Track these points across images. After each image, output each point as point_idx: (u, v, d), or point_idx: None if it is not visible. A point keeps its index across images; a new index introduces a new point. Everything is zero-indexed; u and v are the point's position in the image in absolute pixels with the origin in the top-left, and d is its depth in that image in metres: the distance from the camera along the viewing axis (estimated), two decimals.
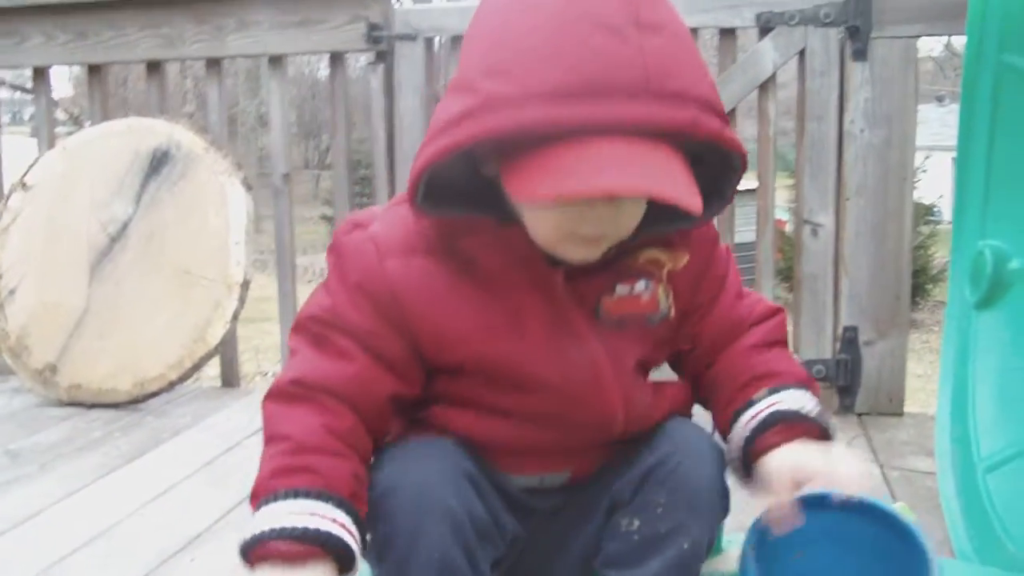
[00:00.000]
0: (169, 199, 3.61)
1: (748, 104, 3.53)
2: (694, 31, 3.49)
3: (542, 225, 1.29)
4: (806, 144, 3.38)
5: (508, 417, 1.41)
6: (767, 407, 1.45)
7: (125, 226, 3.62)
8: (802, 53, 3.38)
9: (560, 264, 1.34)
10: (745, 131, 3.73)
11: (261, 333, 10.69)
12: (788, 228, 9.98)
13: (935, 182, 13.74)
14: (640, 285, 1.41)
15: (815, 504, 1.45)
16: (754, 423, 1.45)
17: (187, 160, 3.62)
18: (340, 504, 1.26)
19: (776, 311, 1.57)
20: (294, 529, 1.22)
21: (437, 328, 1.36)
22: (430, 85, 3.69)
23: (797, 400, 1.45)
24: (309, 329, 1.39)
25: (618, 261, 1.38)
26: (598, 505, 1.47)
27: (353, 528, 1.27)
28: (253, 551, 1.22)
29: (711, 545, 1.46)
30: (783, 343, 1.56)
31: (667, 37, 1.18)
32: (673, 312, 1.45)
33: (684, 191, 1.15)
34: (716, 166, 1.29)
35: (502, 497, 1.43)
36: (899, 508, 1.43)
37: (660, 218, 1.32)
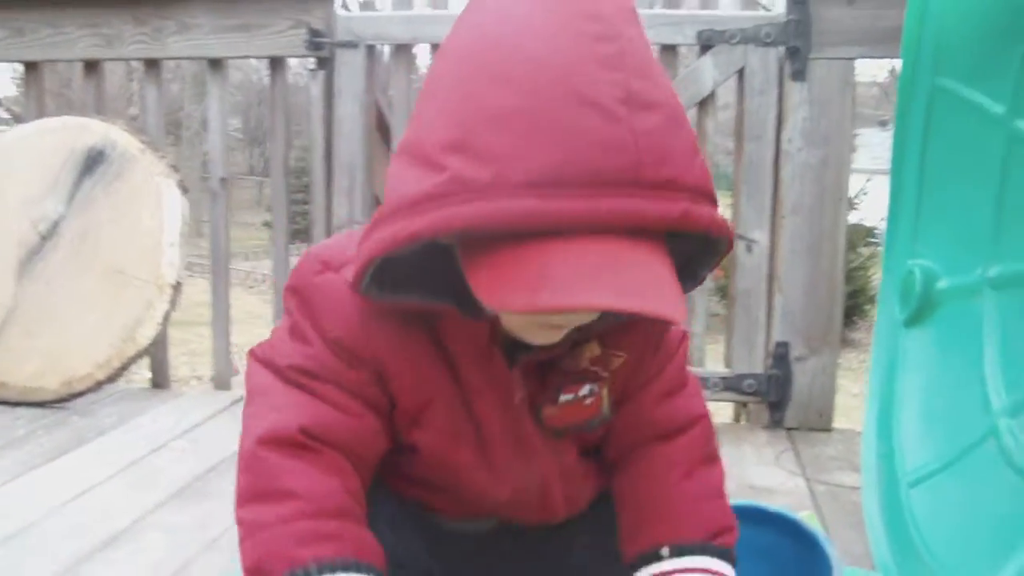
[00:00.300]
0: (103, 198, 3.56)
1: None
2: None
3: (511, 317, 1.18)
4: (744, 162, 3.41)
5: (449, 497, 1.41)
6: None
7: (57, 224, 3.56)
8: (741, 72, 3.41)
9: (516, 352, 1.26)
10: None
11: (197, 337, 10.58)
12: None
13: (876, 205, 13.84)
14: (584, 390, 1.31)
15: None
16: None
17: (123, 160, 3.57)
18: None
19: (699, 419, 1.43)
20: None
21: (414, 406, 1.28)
22: (370, 93, 3.68)
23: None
24: (294, 379, 1.25)
25: (564, 360, 1.29)
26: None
27: None
28: None
29: None
30: (705, 460, 1.42)
31: (661, 116, 1.04)
32: (611, 412, 1.36)
33: (670, 302, 1.02)
34: (693, 241, 1.14)
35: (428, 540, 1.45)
36: (805, 517, 1.44)
37: None
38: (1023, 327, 2.09)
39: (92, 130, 3.66)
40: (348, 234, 1.31)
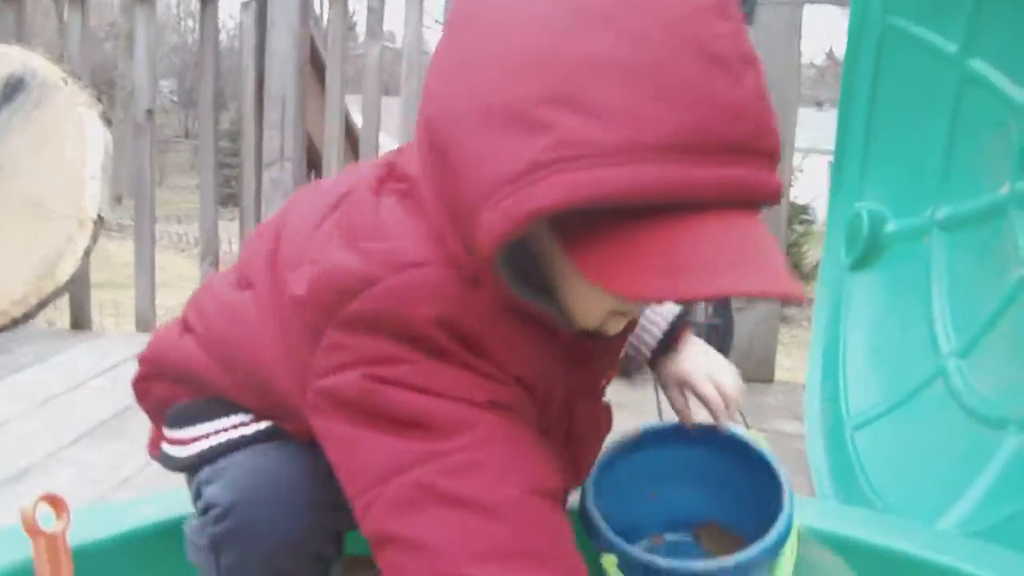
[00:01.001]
0: (22, 128, 3.41)
1: None
2: None
3: (594, 304, 1.02)
4: None
5: None
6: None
7: None
8: None
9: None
10: None
11: (129, 299, 10.40)
12: None
13: (811, 183, 13.93)
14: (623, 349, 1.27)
15: (664, 438, 1.39)
16: (664, 324, 1.39)
17: (43, 89, 3.42)
18: None
19: None
20: None
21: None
22: (304, 26, 3.58)
23: None
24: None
25: None
26: None
27: None
28: None
29: None
30: None
31: (760, 75, 0.90)
32: None
33: (793, 280, 0.90)
34: None
35: None
36: (753, 437, 1.36)
37: None
38: (972, 268, 2.07)
39: (11, 58, 3.49)
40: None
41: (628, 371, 1.47)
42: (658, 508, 1.42)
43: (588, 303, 1.01)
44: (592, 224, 0.88)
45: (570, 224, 0.90)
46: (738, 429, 1.38)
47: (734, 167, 0.87)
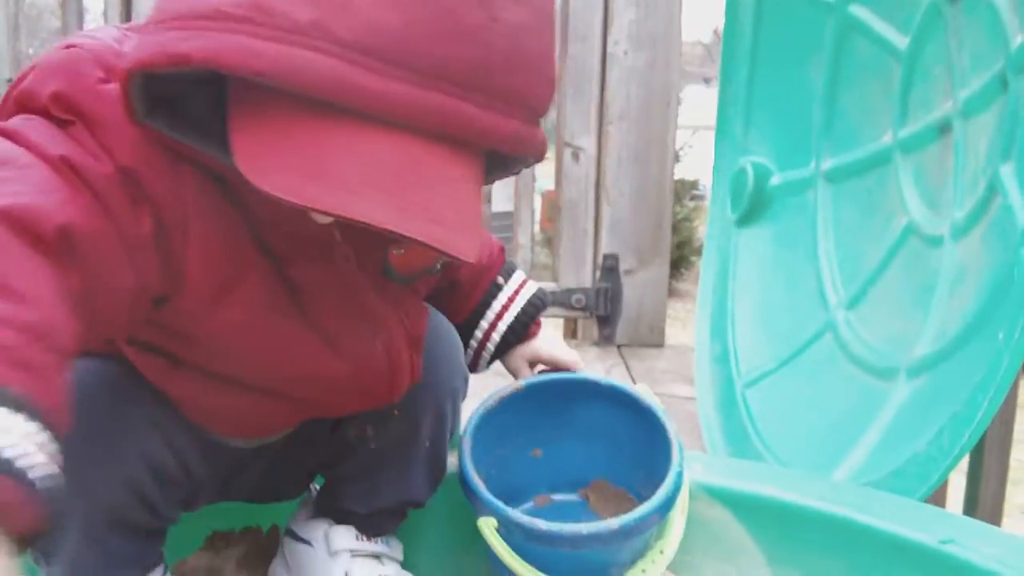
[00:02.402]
0: None
1: None
2: None
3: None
4: (568, 66, 3.26)
5: (253, 394, 1.10)
6: (514, 293, 1.38)
7: None
8: None
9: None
10: None
11: None
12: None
13: (700, 159, 14.11)
14: None
15: (545, 393, 1.33)
16: (511, 314, 1.37)
17: None
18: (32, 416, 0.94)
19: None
20: None
21: (220, 278, 0.97)
22: None
23: (520, 279, 1.40)
24: (64, 172, 0.86)
25: None
26: (323, 429, 1.26)
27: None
28: None
29: (453, 430, 1.30)
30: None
31: (529, 11, 0.85)
32: None
33: (464, 236, 0.84)
34: None
35: (201, 448, 1.14)
36: (640, 389, 1.31)
37: None
38: (857, 219, 2.05)
39: None
40: (121, 31, 0.98)
41: (475, 368, 1.39)
42: (543, 467, 1.35)
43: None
44: (270, 103, 0.81)
45: (246, 93, 0.82)
46: (623, 383, 1.33)
47: (437, 93, 0.80)
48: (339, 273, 1.03)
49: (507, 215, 3.71)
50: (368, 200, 0.80)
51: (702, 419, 2.25)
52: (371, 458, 1.24)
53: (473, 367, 1.38)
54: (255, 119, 0.82)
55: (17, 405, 0.73)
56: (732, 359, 2.26)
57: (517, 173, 1.01)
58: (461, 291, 1.35)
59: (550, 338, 1.42)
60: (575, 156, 3.27)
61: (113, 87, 0.88)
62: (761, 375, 2.14)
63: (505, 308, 1.37)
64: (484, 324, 1.37)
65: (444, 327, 1.27)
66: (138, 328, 1.02)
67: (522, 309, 1.38)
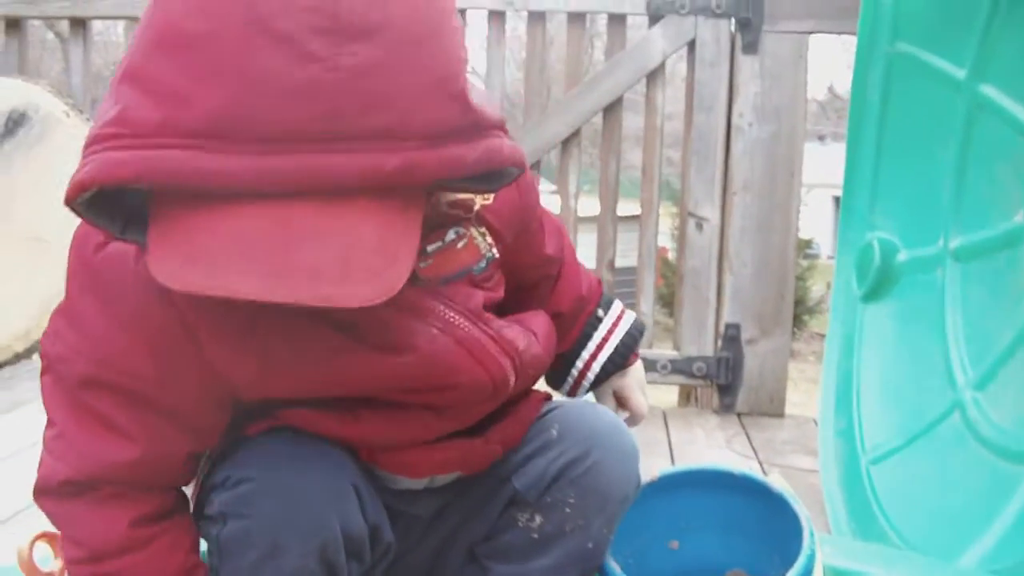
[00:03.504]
0: (23, 163, 3.40)
1: (635, 98, 3.47)
2: (581, 16, 3.41)
3: None
4: (693, 136, 3.30)
5: (384, 410, 1.15)
6: (613, 325, 1.45)
7: None
8: (692, 44, 3.31)
9: None
10: (632, 124, 3.66)
11: None
12: (671, 256, 10.02)
13: (815, 217, 14.00)
14: (450, 235, 1.15)
15: (679, 484, 1.36)
16: (611, 345, 1.43)
17: (45, 123, 3.41)
18: None
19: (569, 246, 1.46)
20: None
21: (253, 362, 1.07)
22: None
23: (618, 310, 1.47)
24: (69, 384, 1.08)
25: None
26: (494, 499, 1.30)
27: None
28: None
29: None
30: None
31: (382, 45, 0.86)
32: (497, 252, 1.21)
33: (352, 284, 0.86)
34: None
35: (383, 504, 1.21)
36: (773, 480, 1.33)
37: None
38: (987, 298, 2.03)
39: (14, 91, 3.49)
40: None
41: (573, 395, 1.43)
42: (679, 560, 1.39)
43: None
44: (165, 202, 0.88)
45: (157, 196, 0.89)
46: (753, 472, 1.35)
47: (292, 155, 0.84)
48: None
49: (630, 270, 3.72)
50: (236, 274, 0.84)
51: (826, 494, 2.24)
52: (531, 544, 1.27)
53: (572, 394, 1.45)
54: (157, 217, 0.88)
55: None
56: (857, 434, 2.25)
57: (508, 182, 1.04)
58: (563, 323, 1.39)
59: (639, 376, 1.49)
60: (699, 226, 3.30)
61: (110, 252, 1.04)
62: (887, 452, 2.13)
63: (605, 340, 1.43)
64: (585, 355, 1.43)
65: (618, 435, 1.30)
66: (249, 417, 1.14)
67: (621, 341, 1.44)
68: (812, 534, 1.25)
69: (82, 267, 1.07)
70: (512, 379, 1.19)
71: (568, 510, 1.24)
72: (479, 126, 0.93)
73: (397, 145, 0.87)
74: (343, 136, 0.85)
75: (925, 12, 2.28)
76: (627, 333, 1.44)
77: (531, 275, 1.36)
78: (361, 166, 0.86)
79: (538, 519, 1.26)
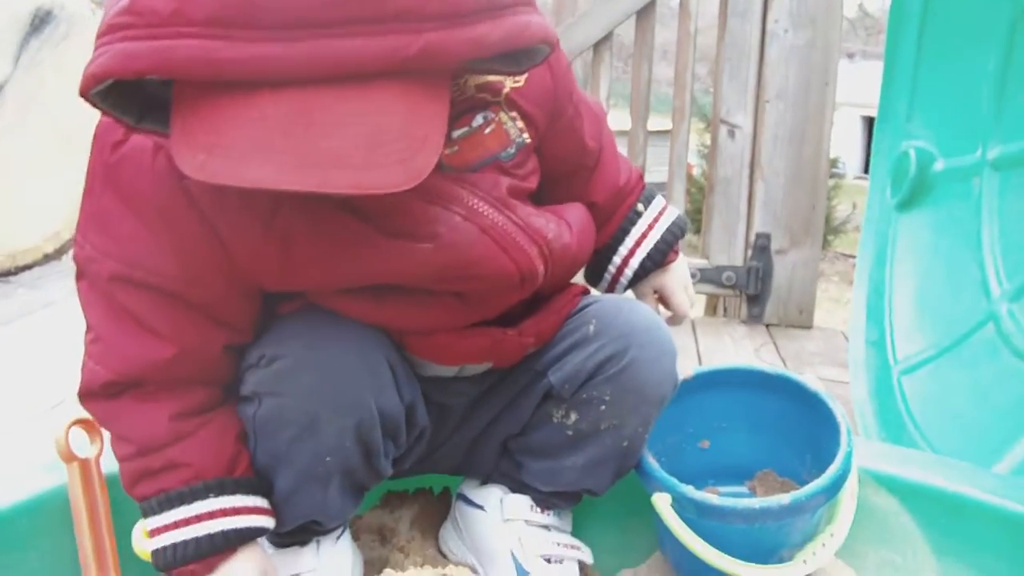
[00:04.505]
0: (51, 60, 3.37)
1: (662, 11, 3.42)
2: None
3: None
4: (727, 42, 3.25)
5: (411, 296, 1.13)
6: (654, 220, 1.40)
7: (1, 88, 3.37)
8: None
9: None
10: (659, 38, 3.61)
11: None
12: (696, 172, 9.98)
13: (841, 136, 13.88)
14: (477, 119, 1.13)
15: (712, 382, 1.36)
16: (650, 241, 1.39)
17: (71, 21, 3.38)
18: (221, 488, 1.11)
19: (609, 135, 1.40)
20: (194, 547, 1.10)
21: (274, 255, 1.06)
22: None
23: (660, 205, 1.42)
24: (100, 286, 1.08)
25: None
26: (529, 393, 1.29)
27: (242, 501, 1.13)
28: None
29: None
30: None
31: None
32: (529, 138, 1.18)
33: (380, 168, 0.85)
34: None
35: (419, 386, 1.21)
36: (808, 380, 1.32)
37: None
38: None
39: None
40: None
41: (612, 291, 1.41)
42: (710, 458, 1.39)
43: None
44: (187, 92, 0.87)
45: (177, 86, 0.88)
46: (789, 372, 1.35)
47: (307, 41, 0.82)
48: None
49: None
50: (260, 163, 0.83)
51: (855, 404, 2.23)
52: (565, 441, 1.27)
53: (610, 291, 1.41)
54: (180, 108, 0.87)
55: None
56: (888, 344, 2.24)
57: (539, 62, 1.02)
58: (599, 216, 1.34)
59: (682, 274, 1.43)
60: (731, 133, 3.27)
61: (125, 151, 1.04)
62: (919, 363, 2.12)
63: (644, 235, 1.38)
64: (623, 251, 1.38)
65: (657, 332, 1.26)
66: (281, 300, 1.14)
67: (661, 237, 1.39)
68: (850, 431, 1.24)
69: (102, 167, 1.06)
70: (541, 269, 1.16)
71: (603, 407, 1.23)
72: (502, 1, 0.91)
73: (417, 26, 0.85)
74: (361, 19, 0.83)
75: None
76: (667, 230, 1.39)
77: (567, 166, 1.30)
78: (381, 49, 0.84)
79: (573, 416, 1.25)
